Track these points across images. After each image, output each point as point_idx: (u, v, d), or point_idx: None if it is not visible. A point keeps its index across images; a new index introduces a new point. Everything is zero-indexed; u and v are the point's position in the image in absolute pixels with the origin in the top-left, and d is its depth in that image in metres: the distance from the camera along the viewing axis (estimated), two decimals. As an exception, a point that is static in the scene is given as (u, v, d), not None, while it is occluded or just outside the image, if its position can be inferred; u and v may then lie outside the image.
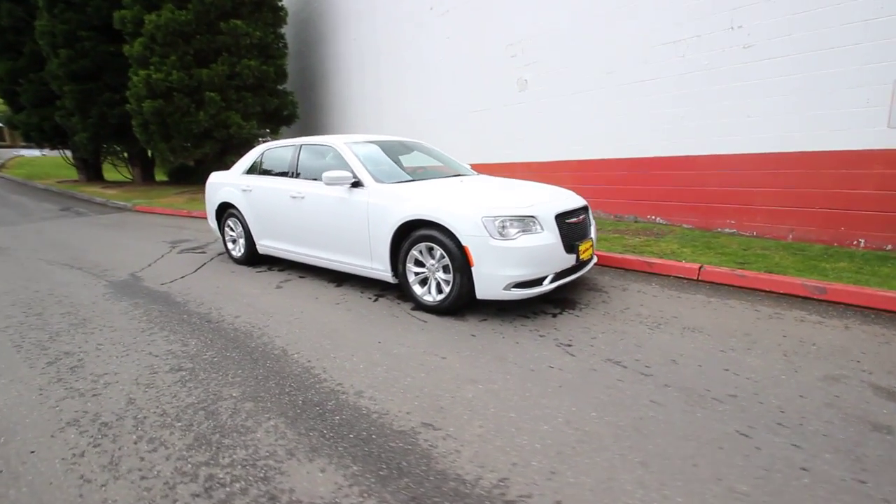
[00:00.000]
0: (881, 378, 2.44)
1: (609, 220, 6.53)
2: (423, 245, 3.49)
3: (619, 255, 4.65)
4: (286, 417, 2.20)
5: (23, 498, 1.74)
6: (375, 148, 4.48)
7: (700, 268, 4.13)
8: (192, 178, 16.05)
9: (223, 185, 5.37)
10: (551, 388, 2.40)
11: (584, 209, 3.86)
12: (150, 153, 15.14)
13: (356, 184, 3.92)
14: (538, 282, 3.29)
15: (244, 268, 5.14)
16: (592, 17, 6.35)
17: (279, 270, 4.97)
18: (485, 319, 3.37)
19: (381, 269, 3.83)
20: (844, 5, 4.41)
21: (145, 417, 2.23)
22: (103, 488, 1.76)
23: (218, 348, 3.01)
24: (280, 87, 12.21)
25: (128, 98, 11.15)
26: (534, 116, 7.32)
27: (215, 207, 5.47)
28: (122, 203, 11.39)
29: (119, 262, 5.55)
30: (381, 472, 1.80)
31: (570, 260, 3.46)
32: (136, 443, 2.03)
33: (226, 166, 10.06)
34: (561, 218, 3.44)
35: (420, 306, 3.60)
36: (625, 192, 6.41)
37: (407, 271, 3.61)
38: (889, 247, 4.43)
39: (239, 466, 1.86)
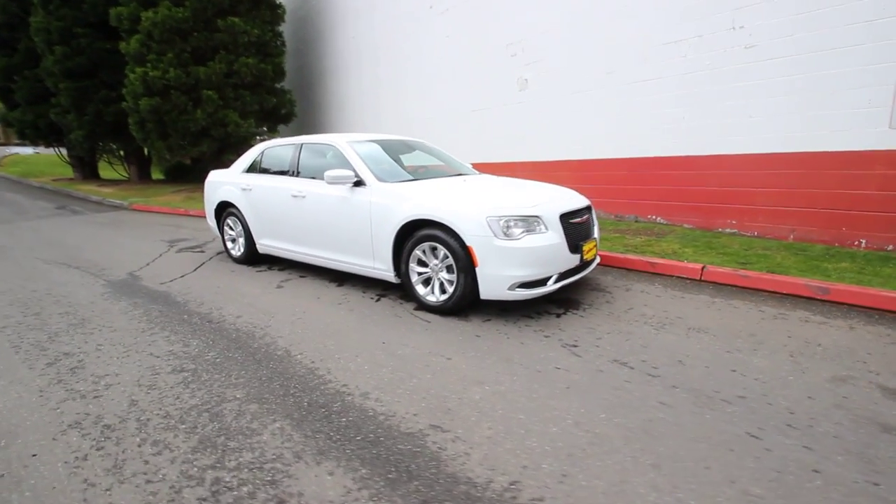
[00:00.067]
0: (889, 379, 2.44)
1: (610, 220, 6.53)
2: (426, 245, 3.47)
3: (622, 255, 4.64)
4: (292, 419, 2.17)
5: (26, 503, 1.70)
6: (377, 147, 4.45)
7: (703, 268, 4.13)
8: (188, 176, 15.97)
9: (222, 183, 5.33)
10: (559, 390, 2.38)
11: (588, 209, 3.85)
12: (146, 151, 15.05)
13: (358, 183, 3.89)
14: (542, 282, 3.27)
15: (244, 267, 5.10)
16: (593, 16, 6.34)
17: (279, 270, 4.93)
18: (488, 320, 3.35)
19: (383, 268, 3.80)
20: (846, 6, 4.42)
21: (148, 419, 2.20)
22: (108, 492, 1.73)
23: (220, 349, 2.98)
24: (278, 86, 12.14)
25: (124, 96, 11.06)
26: (534, 116, 7.30)
27: (214, 206, 5.42)
28: (118, 201, 11.31)
29: (116, 261, 5.50)
30: (390, 476, 1.78)
31: (574, 260, 3.45)
32: (139, 446, 2.00)
33: (223, 165, 9.99)
34: (565, 218, 3.43)
35: (423, 306, 3.58)
36: (625, 192, 6.40)
37: (410, 271, 3.59)
38: (890, 247, 4.44)
39: (246, 470, 1.83)
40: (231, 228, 5.32)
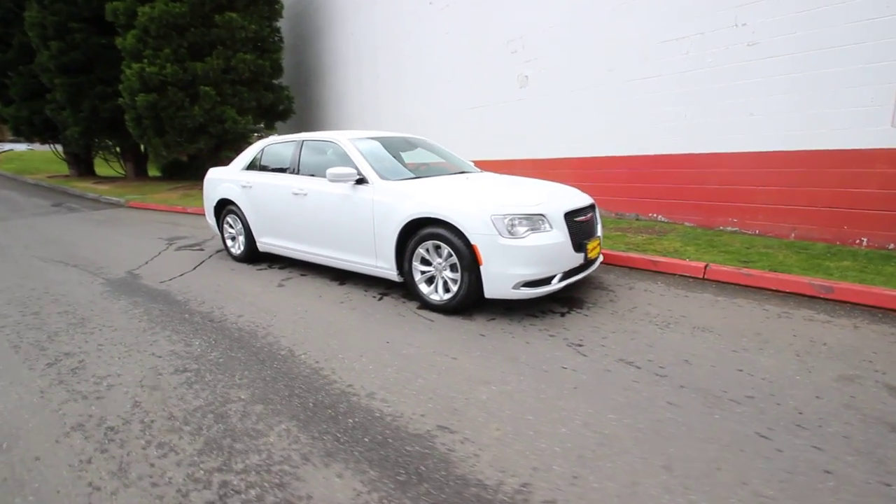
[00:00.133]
0: (895, 378, 2.44)
1: (610, 218, 6.52)
2: (429, 243, 3.44)
3: (624, 254, 4.63)
4: (298, 420, 2.15)
5: (29, 507, 1.68)
6: (379, 144, 4.42)
7: (706, 266, 4.12)
8: (185, 173, 15.86)
9: (222, 181, 5.28)
10: (566, 390, 2.37)
11: (592, 207, 3.83)
12: (142, 148, 14.93)
13: (361, 181, 3.86)
14: (547, 281, 3.26)
15: (244, 265, 5.07)
16: (594, 13, 6.31)
17: (280, 268, 4.90)
18: (493, 319, 3.33)
19: (386, 267, 3.78)
20: (847, 4, 4.41)
21: (153, 421, 2.17)
22: (114, 496, 1.71)
23: (223, 349, 2.95)
24: (275, 82, 12.08)
25: (120, 92, 10.97)
26: (534, 113, 7.27)
27: (214, 204, 5.38)
28: (114, 199, 11.22)
29: (115, 259, 5.45)
30: (399, 478, 1.76)
31: (578, 259, 3.43)
32: (144, 448, 1.97)
33: (221, 162, 9.95)
34: (570, 216, 3.41)
35: (426, 305, 3.56)
36: (626, 190, 6.39)
37: (413, 270, 3.56)
38: (892, 245, 4.44)
39: (253, 472, 1.81)
40: (231, 226, 5.28)
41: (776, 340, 2.90)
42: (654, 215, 6.18)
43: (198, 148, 11.19)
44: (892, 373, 2.49)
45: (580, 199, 3.73)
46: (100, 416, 2.23)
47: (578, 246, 3.41)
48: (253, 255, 5.07)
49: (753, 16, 4.95)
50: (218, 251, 5.73)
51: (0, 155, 27.48)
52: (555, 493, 1.68)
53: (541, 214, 3.25)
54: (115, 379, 2.59)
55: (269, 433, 2.06)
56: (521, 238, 3.14)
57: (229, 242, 5.34)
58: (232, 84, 10.85)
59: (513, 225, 3.16)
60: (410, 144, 4.86)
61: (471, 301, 3.32)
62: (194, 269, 4.97)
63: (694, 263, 4.21)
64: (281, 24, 12.05)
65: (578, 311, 3.46)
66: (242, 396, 2.37)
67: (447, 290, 3.44)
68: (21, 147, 30.91)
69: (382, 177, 3.84)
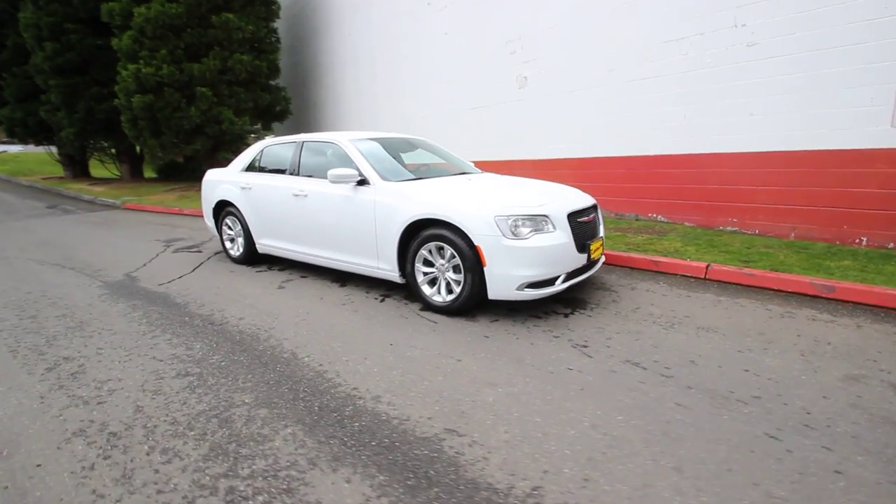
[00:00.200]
0: (901, 378, 2.44)
1: (610, 218, 6.52)
2: (432, 244, 3.43)
3: (625, 254, 4.63)
4: (303, 424, 2.12)
5: (32, 515, 1.65)
6: (379, 145, 4.39)
7: (707, 266, 4.12)
8: (181, 174, 15.79)
9: (220, 182, 5.24)
10: (573, 392, 2.36)
11: (594, 208, 3.82)
12: (138, 149, 14.84)
13: (362, 182, 3.84)
14: (551, 282, 3.24)
15: (243, 267, 5.03)
16: (594, 13, 6.31)
17: (279, 270, 4.86)
18: (496, 320, 3.31)
19: (388, 269, 3.75)
20: (847, 5, 4.42)
21: (156, 426, 2.14)
22: None
23: (224, 352, 2.92)
24: (272, 83, 12.03)
25: (116, 93, 10.90)
26: (533, 114, 7.27)
27: (212, 206, 5.34)
28: (110, 200, 11.14)
29: (112, 261, 5.40)
30: (409, 482, 1.74)
31: (581, 259, 3.42)
32: (148, 454, 1.95)
33: (217, 163, 9.91)
34: (573, 217, 3.40)
35: (429, 307, 3.54)
36: (626, 190, 6.40)
37: (416, 271, 3.54)
38: (891, 245, 4.46)
39: (260, 478, 1.78)
40: (230, 228, 5.24)
41: (780, 340, 2.90)
42: (654, 215, 6.19)
43: (194, 149, 11.13)
44: (897, 372, 2.49)
45: (583, 200, 3.73)
46: (101, 421, 2.20)
47: (581, 247, 3.40)
48: (252, 257, 5.03)
49: (753, 16, 4.96)
50: (216, 253, 5.69)
51: (-7, 157, 27.24)
52: (566, 496, 1.66)
53: (544, 215, 3.24)
54: (116, 383, 2.56)
55: (275, 437, 2.03)
56: (524, 239, 3.13)
57: (228, 244, 5.30)
58: (229, 85, 10.79)
59: (516, 226, 3.15)
60: (411, 145, 4.84)
61: (474, 302, 3.30)
62: (193, 271, 4.93)
63: (695, 263, 4.21)
64: (278, 24, 12.00)
65: (582, 311, 3.45)
66: (246, 400, 2.35)
67: (450, 291, 3.42)
68: (15, 149, 30.66)
69: (384, 178, 3.82)
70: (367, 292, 4.03)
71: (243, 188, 4.91)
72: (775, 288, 3.78)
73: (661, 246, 4.90)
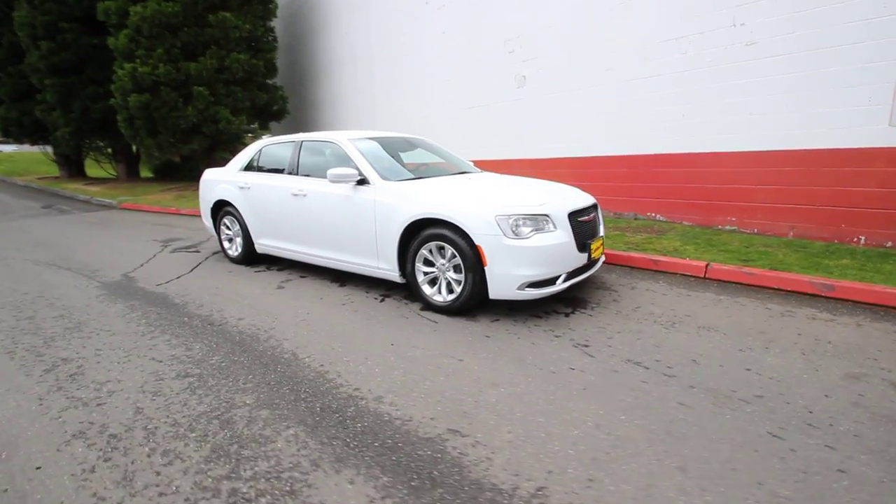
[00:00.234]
0: (902, 376, 2.44)
1: (609, 217, 6.52)
2: (432, 244, 3.42)
3: (625, 253, 4.63)
4: (306, 426, 2.11)
5: (32, 518, 1.63)
6: (378, 145, 4.38)
7: (707, 265, 4.13)
8: (178, 174, 15.72)
9: (218, 182, 5.22)
10: (575, 391, 2.35)
11: (594, 207, 3.82)
12: (134, 149, 14.77)
13: (362, 181, 3.82)
14: (552, 281, 3.24)
15: (242, 267, 5.01)
16: (593, 13, 6.31)
17: (278, 270, 4.84)
18: (497, 320, 3.31)
19: (388, 268, 3.74)
20: (846, 4, 4.43)
21: (156, 428, 2.12)
22: (119, 506, 1.67)
23: (224, 352, 2.91)
24: (270, 82, 11.98)
25: (112, 92, 10.83)
26: (532, 113, 7.26)
27: (210, 205, 5.31)
28: (107, 200, 11.08)
29: (109, 261, 5.37)
30: (412, 483, 1.73)
31: (582, 259, 3.42)
32: (149, 456, 1.93)
33: (214, 162, 9.87)
34: (573, 216, 3.40)
35: (429, 306, 3.53)
36: (624, 190, 6.40)
37: (416, 271, 3.53)
38: (889, 244, 4.48)
39: (262, 480, 1.77)
40: (228, 228, 5.22)
41: (781, 339, 2.90)
42: (653, 214, 6.19)
43: (191, 149, 11.07)
44: (898, 371, 2.50)
45: (583, 199, 3.72)
46: (101, 423, 2.18)
47: (582, 246, 3.40)
48: (251, 257, 5.01)
49: (752, 15, 4.96)
50: (214, 253, 5.66)
51: (-12, 156, 27.07)
52: (571, 496, 1.66)
53: (545, 215, 3.24)
54: (116, 385, 2.54)
55: (277, 439, 2.02)
56: (525, 238, 3.13)
57: (226, 244, 5.28)
58: (226, 84, 10.74)
59: (517, 225, 3.14)
60: (410, 144, 4.83)
61: (475, 302, 3.30)
62: (191, 271, 4.90)
63: (695, 263, 4.22)
64: (275, 23, 11.95)
65: (582, 311, 3.45)
66: (247, 401, 2.33)
67: (450, 291, 3.41)
68: (10, 148, 30.48)
69: (384, 177, 3.80)
70: (367, 292, 4.02)
71: (242, 188, 4.89)
72: (775, 287, 3.79)
73: (660, 245, 4.91)
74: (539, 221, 3.21)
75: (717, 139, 5.43)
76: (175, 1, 9.94)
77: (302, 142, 4.54)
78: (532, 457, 1.87)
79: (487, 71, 7.76)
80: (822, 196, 4.79)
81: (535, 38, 7.03)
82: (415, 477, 1.77)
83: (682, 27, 5.49)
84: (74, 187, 13.63)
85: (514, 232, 3.12)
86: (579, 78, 6.59)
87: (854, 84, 4.45)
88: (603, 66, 6.30)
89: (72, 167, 16.95)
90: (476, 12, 7.80)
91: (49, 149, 17.06)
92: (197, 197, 5.61)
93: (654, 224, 5.99)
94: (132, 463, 1.89)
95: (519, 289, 3.15)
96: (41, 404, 2.37)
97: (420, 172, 4.21)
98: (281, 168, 4.63)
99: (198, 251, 5.83)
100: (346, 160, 4.02)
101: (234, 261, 5.17)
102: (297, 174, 4.44)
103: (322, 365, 2.70)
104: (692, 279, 4.14)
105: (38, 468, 1.88)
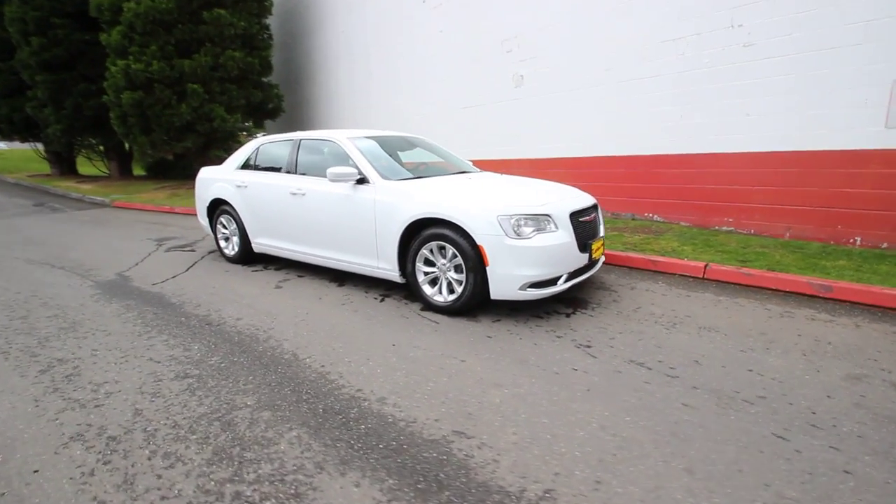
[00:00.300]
0: (902, 377, 2.46)
1: (607, 218, 6.53)
2: (433, 244, 3.40)
3: (623, 254, 4.64)
4: (308, 427, 2.09)
5: (31, 523, 1.60)
6: (378, 144, 4.35)
7: (706, 266, 4.14)
8: (171, 172, 15.58)
9: (215, 180, 5.16)
10: (579, 392, 2.34)
11: (595, 207, 3.82)
12: (127, 146, 14.61)
13: (361, 180, 3.79)
14: (553, 281, 3.23)
15: (238, 267, 4.96)
16: (591, 13, 6.31)
17: (276, 269, 4.80)
18: (498, 320, 3.30)
19: (388, 268, 3.72)
20: (844, 6, 4.46)
21: (156, 430, 2.09)
22: (121, 510, 1.63)
23: (223, 353, 2.87)
24: (265, 80, 11.88)
25: (105, 89, 10.69)
26: (530, 113, 7.26)
27: (206, 204, 5.25)
28: (99, 198, 10.96)
29: (103, 260, 5.30)
30: (419, 486, 1.72)
31: (583, 259, 3.41)
32: (149, 459, 1.90)
33: (209, 160, 9.78)
34: (575, 216, 3.39)
35: (430, 307, 3.51)
36: (622, 190, 6.41)
37: (417, 271, 3.51)
38: (885, 245, 4.51)
39: (266, 483, 1.74)
40: (224, 227, 5.16)
41: (782, 340, 2.91)
42: (650, 215, 6.21)
43: (185, 147, 10.96)
44: (898, 371, 2.51)
45: (584, 199, 3.72)
46: (99, 425, 2.15)
47: (583, 246, 3.39)
48: (248, 256, 4.96)
49: (750, 17, 4.98)
50: (210, 252, 5.61)
51: (-23, 153, 26.67)
52: (579, 498, 1.65)
53: (546, 215, 3.23)
54: (113, 386, 2.50)
55: (280, 441, 1.99)
56: (527, 238, 3.12)
57: (223, 243, 5.23)
58: (220, 82, 10.64)
59: (519, 225, 3.13)
60: (409, 144, 4.81)
61: (476, 302, 3.28)
62: (187, 270, 4.85)
63: (694, 263, 4.23)
64: (270, 21, 11.86)
65: (583, 311, 3.44)
66: (248, 403, 2.30)
67: (451, 291, 3.39)
68: (0, 145, 30.07)
69: (384, 176, 3.78)
70: (367, 292, 3.99)
71: (238, 186, 4.84)
72: (773, 287, 3.81)
73: (658, 245, 4.92)
74: (541, 221, 3.20)
75: (714, 140, 5.45)
76: (169, -3, 9.83)
77: (300, 140, 4.50)
78: (538, 458, 1.85)
79: (485, 70, 7.75)
80: (819, 197, 4.82)
81: (532, 38, 7.02)
82: (421, 479, 1.75)
83: (680, 28, 5.51)
84: (66, 185, 13.46)
85: (516, 232, 3.11)
86: (577, 78, 6.59)
87: (851, 86, 4.48)
88: (601, 67, 6.30)
89: (63, 165, 16.75)
90: (473, 12, 7.78)
91: (40, 146, 16.85)
92: (191, 195, 5.56)
93: (651, 224, 6.01)
94: (132, 466, 1.86)
95: (521, 289, 3.14)
96: (37, 406, 2.32)
97: (420, 172, 4.19)
98: (279, 167, 4.59)
99: (193, 250, 5.77)
100: (345, 159, 3.99)
101: (231, 260, 5.12)
102: (295, 173, 4.40)
103: (323, 365, 2.68)
104: (691, 280, 4.15)
105: (35, 471, 1.84)
